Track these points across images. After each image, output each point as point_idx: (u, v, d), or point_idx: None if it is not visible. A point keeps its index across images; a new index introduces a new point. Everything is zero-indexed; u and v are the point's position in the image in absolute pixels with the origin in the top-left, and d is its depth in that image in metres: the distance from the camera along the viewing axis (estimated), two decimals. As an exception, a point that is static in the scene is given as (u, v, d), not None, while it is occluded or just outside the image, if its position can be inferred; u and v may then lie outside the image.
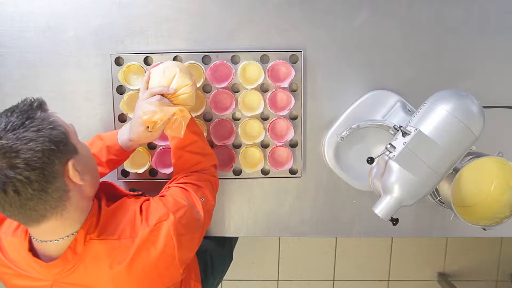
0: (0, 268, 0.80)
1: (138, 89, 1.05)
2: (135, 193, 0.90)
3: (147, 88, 0.93)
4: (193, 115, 1.06)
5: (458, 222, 0.93)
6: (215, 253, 1.24)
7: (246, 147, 1.10)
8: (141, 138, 0.91)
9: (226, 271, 1.34)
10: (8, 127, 0.64)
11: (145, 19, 1.08)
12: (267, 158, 1.11)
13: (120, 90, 1.09)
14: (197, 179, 0.92)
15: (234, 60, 1.08)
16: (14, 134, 0.64)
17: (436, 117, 0.83)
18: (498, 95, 1.11)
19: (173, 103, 0.90)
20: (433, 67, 1.11)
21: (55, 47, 1.08)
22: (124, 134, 0.94)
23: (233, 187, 1.13)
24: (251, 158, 1.11)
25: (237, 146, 1.12)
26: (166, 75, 0.91)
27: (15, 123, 0.65)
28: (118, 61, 1.08)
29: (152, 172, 1.12)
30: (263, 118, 1.11)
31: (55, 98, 1.10)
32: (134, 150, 0.98)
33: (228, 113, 1.09)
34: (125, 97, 1.06)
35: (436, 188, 0.98)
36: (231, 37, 1.09)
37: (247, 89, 1.07)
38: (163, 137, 1.06)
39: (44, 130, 0.66)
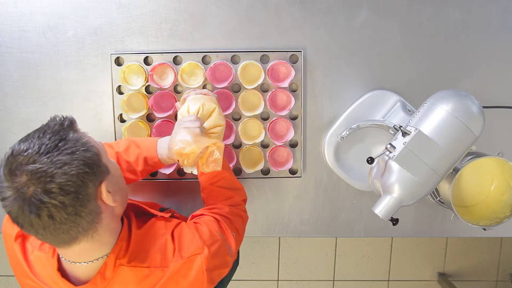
0: (24, 280, 0.79)
1: (138, 89, 1.06)
2: (165, 214, 0.88)
3: (188, 113, 0.93)
4: None
5: (458, 222, 0.93)
6: None
7: (246, 147, 1.10)
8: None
9: (233, 275, 1.34)
10: (42, 150, 0.62)
11: (145, 19, 1.08)
12: (267, 158, 1.10)
13: (120, 90, 1.09)
14: (230, 213, 0.90)
15: (234, 60, 1.08)
16: (48, 158, 0.62)
17: (436, 117, 0.83)
18: (498, 95, 1.11)
19: None
20: (433, 67, 1.11)
21: (55, 47, 1.08)
22: (163, 149, 0.91)
23: (233, 187, 1.13)
24: (251, 158, 1.11)
25: (237, 146, 1.12)
26: (206, 107, 0.92)
27: (49, 146, 0.63)
28: (118, 61, 1.08)
29: (152, 172, 1.12)
30: (263, 118, 1.11)
31: (55, 98, 1.10)
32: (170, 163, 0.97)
33: (228, 113, 1.09)
34: (125, 97, 1.06)
35: (436, 188, 0.98)
36: (231, 37, 1.09)
37: (247, 89, 1.07)
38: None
39: (78, 152, 0.64)
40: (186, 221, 0.87)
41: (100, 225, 0.69)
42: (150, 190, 1.13)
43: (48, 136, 0.64)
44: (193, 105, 0.92)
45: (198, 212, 0.90)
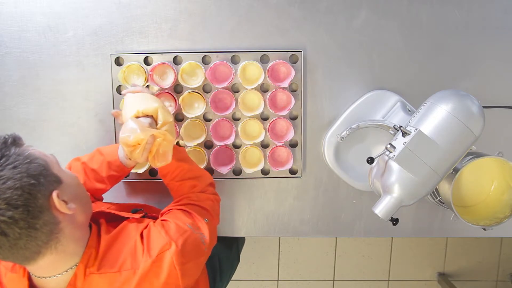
0: None
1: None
2: (137, 215, 0.87)
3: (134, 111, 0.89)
4: (195, 143, 1.07)
5: (458, 222, 0.93)
6: (223, 257, 1.23)
7: (246, 147, 1.10)
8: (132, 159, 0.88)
9: (233, 273, 1.33)
10: None
11: (145, 19, 1.08)
12: (267, 158, 1.10)
13: (120, 90, 1.09)
14: (198, 199, 0.91)
15: (234, 60, 1.08)
16: None
17: (436, 117, 0.83)
18: (498, 95, 1.11)
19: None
20: (433, 67, 1.11)
21: (55, 47, 1.08)
22: (122, 151, 0.92)
23: (233, 187, 1.13)
24: (251, 158, 1.11)
25: (237, 146, 1.12)
26: (148, 104, 0.88)
27: None
28: (118, 61, 1.08)
29: (152, 172, 1.12)
30: (263, 118, 1.11)
31: (55, 98, 1.10)
32: (133, 166, 0.96)
33: (228, 113, 1.09)
34: (125, 97, 1.06)
35: (436, 188, 0.98)
36: (231, 37, 1.09)
37: (247, 89, 1.07)
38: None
39: (20, 166, 0.64)
40: (159, 217, 0.87)
41: (62, 235, 0.69)
42: (150, 190, 1.13)
43: None
44: (138, 105, 0.88)
45: (166, 209, 0.90)
